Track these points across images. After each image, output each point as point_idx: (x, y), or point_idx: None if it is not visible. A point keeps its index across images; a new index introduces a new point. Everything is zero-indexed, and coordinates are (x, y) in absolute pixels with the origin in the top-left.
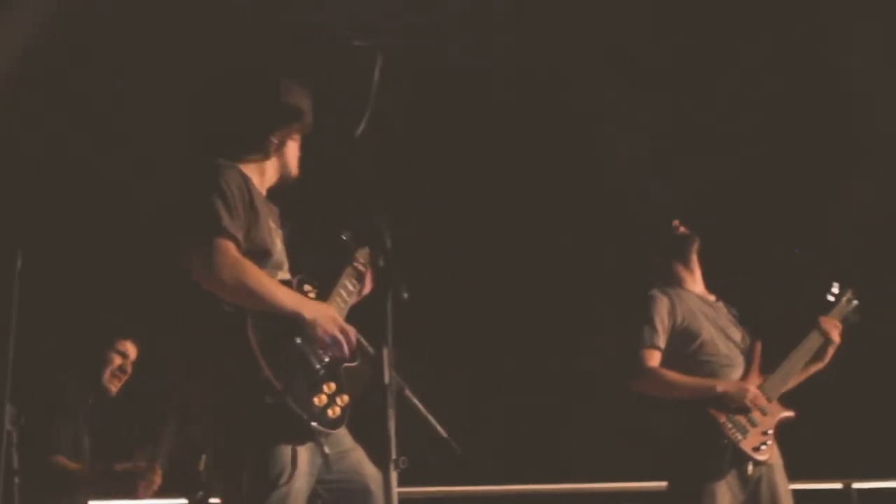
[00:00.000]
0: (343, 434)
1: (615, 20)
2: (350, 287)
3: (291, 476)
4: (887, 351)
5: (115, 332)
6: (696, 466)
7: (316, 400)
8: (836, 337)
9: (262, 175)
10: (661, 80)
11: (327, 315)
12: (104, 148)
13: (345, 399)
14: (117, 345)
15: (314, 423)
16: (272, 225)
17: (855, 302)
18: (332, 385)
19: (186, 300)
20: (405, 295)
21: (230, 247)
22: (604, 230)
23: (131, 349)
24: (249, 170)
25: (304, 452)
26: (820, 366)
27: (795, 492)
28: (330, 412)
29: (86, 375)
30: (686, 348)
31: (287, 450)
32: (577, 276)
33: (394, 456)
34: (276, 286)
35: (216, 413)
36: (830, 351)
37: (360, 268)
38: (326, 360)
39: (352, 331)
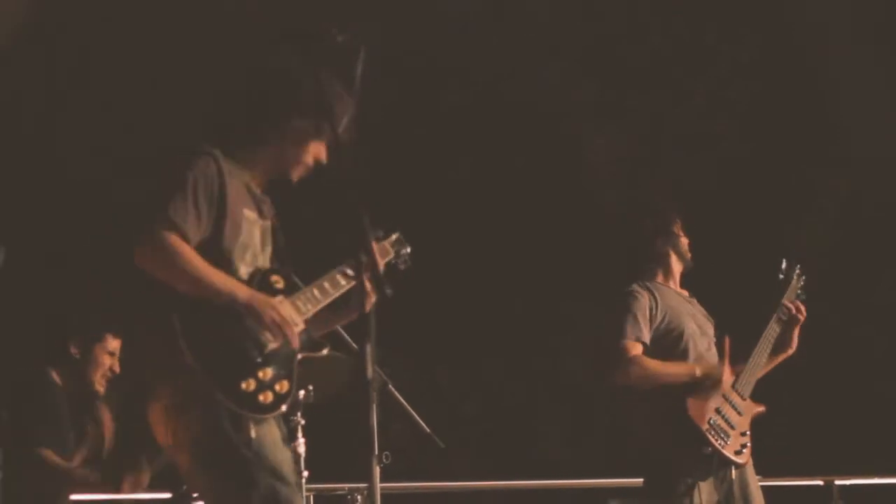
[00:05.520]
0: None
1: (594, 22)
2: (330, 288)
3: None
4: (871, 348)
5: (105, 328)
6: (678, 471)
7: (244, 384)
8: (801, 314)
9: (253, 166)
10: (639, 81)
11: (265, 302)
12: (88, 143)
13: (284, 386)
14: (106, 344)
15: (233, 405)
16: (248, 213)
17: (804, 278)
18: (269, 372)
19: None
20: (388, 292)
21: (169, 233)
22: (583, 228)
23: (118, 346)
24: (238, 158)
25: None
26: (790, 352)
27: (778, 488)
28: (261, 397)
29: (74, 372)
30: (669, 344)
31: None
32: (559, 273)
33: (377, 451)
34: (211, 272)
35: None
36: (796, 333)
37: (350, 272)
38: (270, 348)
39: (290, 322)
